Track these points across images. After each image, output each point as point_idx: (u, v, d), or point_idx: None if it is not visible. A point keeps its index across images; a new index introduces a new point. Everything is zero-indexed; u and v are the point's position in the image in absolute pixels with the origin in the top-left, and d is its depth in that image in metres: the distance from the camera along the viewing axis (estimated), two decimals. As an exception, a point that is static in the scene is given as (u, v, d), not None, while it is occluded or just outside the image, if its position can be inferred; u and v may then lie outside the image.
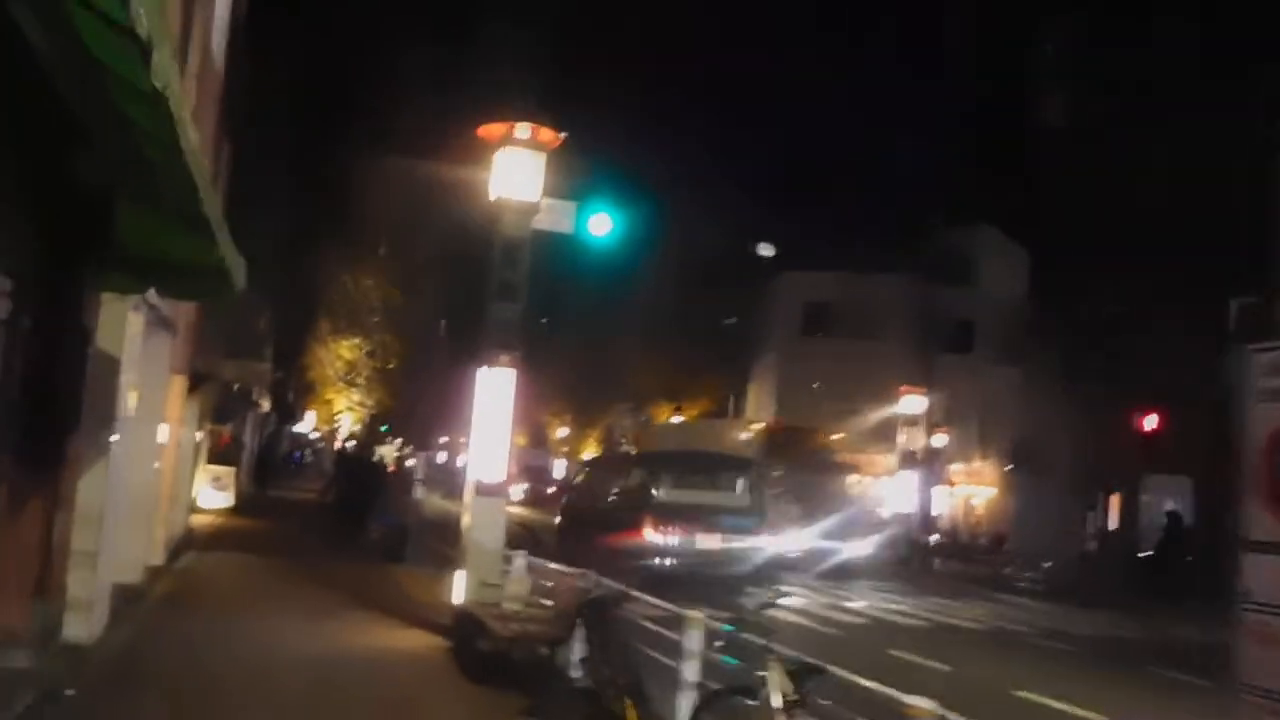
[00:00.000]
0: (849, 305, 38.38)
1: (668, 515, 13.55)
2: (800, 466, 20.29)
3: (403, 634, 9.04)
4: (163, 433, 10.68)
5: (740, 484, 15.32)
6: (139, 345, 8.39)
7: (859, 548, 20.41)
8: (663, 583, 10.35)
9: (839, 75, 53.70)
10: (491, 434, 9.17)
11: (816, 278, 38.77)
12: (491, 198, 9.51)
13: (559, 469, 51.77)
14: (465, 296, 16.85)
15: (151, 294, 8.63)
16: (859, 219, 42.50)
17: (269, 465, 32.88)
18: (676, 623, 6.26)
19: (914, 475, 27.23)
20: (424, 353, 16.30)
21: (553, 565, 9.54)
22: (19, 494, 5.76)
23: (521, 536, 11.46)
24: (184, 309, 11.34)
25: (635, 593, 7.02)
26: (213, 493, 20.85)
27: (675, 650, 6.10)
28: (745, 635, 4.98)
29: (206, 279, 6.51)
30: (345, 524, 15.83)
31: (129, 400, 8.17)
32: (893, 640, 12.17)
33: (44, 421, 6.01)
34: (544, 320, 36.14)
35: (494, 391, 9.16)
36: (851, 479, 24.98)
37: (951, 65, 39.26)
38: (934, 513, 29.07)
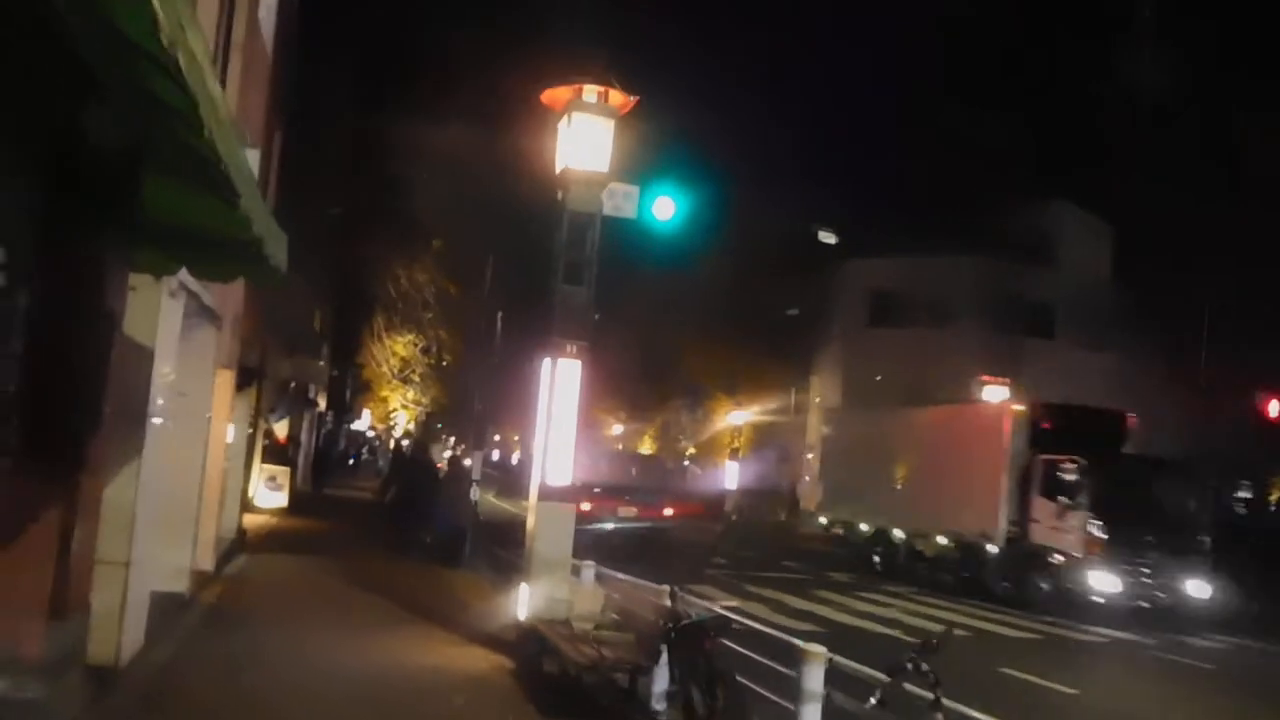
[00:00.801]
0: (918, 292, 36.75)
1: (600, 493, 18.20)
2: (1105, 462, 16.01)
3: (463, 651, 8.20)
4: (208, 430, 10.01)
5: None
6: (176, 335, 7.67)
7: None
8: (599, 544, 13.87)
9: (900, 47, 51.56)
10: (557, 432, 8.27)
11: (882, 264, 37.24)
12: (557, 170, 8.61)
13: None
14: (526, 285, 16.00)
15: (191, 281, 7.94)
16: (926, 200, 40.60)
17: (326, 464, 32.68)
18: (788, 654, 5.27)
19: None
20: (480, 347, 15.58)
21: (627, 577, 8.60)
22: (28, 501, 5.02)
23: None
24: (230, 300, 10.68)
25: (737, 617, 6.05)
26: (268, 492, 20.42)
27: (789, 687, 5.10)
28: (907, 686, 3.96)
29: (243, 257, 5.68)
30: (401, 526, 15.15)
31: (166, 395, 7.45)
32: (1001, 655, 11.02)
33: (59, 417, 5.26)
34: (596, 315, 35.20)
35: (560, 385, 8.26)
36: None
37: (1022, 33, 37.37)
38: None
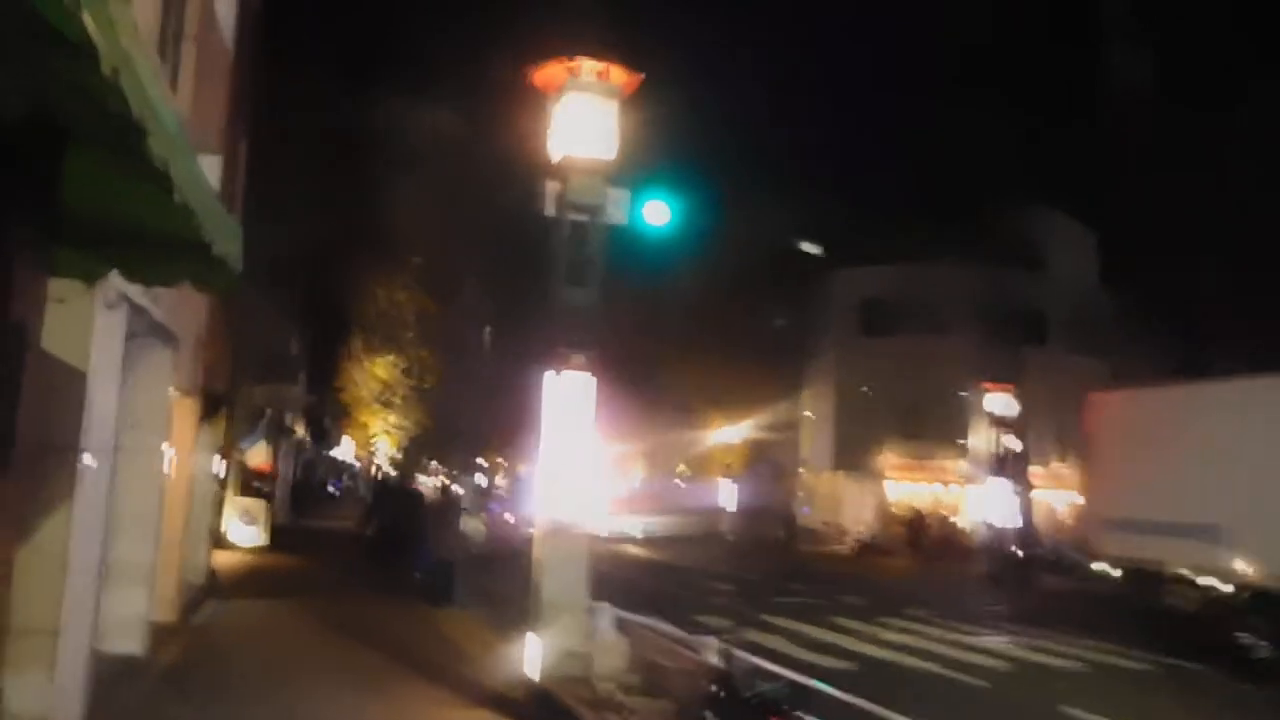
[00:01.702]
0: (909, 300, 36.01)
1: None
2: None
3: (463, 714, 7.06)
4: (165, 464, 8.85)
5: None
6: (118, 356, 6.56)
7: None
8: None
9: (880, 52, 50.95)
10: (564, 456, 7.20)
11: (872, 273, 36.54)
12: (554, 160, 7.59)
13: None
14: (517, 294, 15.00)
15: (136, 292, 6.83)
16: (912, 209, 39.92)
17: (305, 495, 31.30)
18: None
19: (1003, 482, 24.75)
20: (465, 367, 14.54)
21: (648, 621, 7.49)
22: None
23: None
24: (188, 317, 9.56)
25: (817, 684, 4.97)
26: (243, 527, 19.14)
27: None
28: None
29: (186, 255, 4.62)
30: (385, 561, 13.97)
31: (105, 425, 6.32)
32: (1056, 691, 9.98)
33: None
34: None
35: (566, 402, 7.20)
36: None
37: (1004, 40, 36.88)
38: (1020, 523, 26.46)
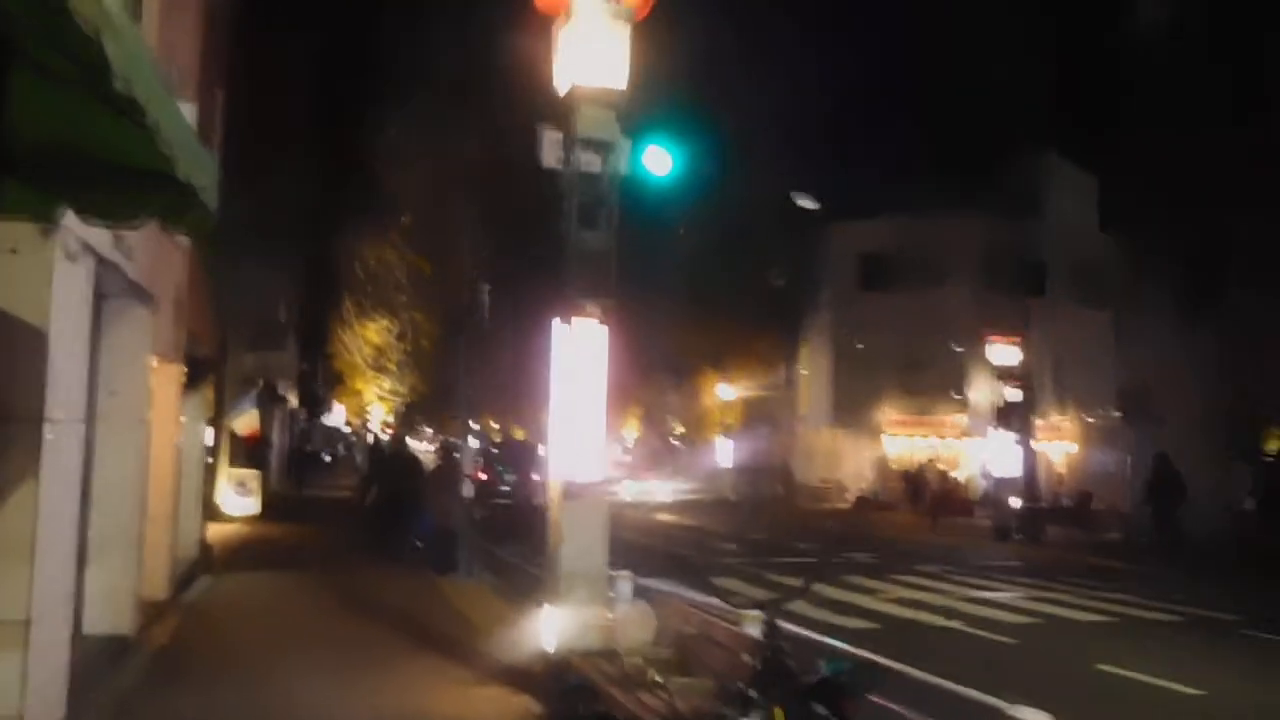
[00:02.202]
0: (907, 253, 35.32)
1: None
2: None
3: (476, 694, 6.59)
4: (147, 434, 8.28)
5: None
6: (84, 314, 5.96)
7: None
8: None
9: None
10: (578, 413, 6.66)
11: (869, 226, 35.81)
12: (560, 90, 6.94)
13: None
14: (515, 250, 14.31)
15: (104, 244, 6.22)
16: (908, 159, 38.96)
17: (299, 464, 30.78)
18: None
19: (1007, 434, 24.36)
20: (463, 325, 13.93)
21: (673, 589, 7.00)
22: None
23: None
24: (165, 274, 8.92)
25: (887, 661, 4.47)
26: (237, 498, 18.63)
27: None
28: None
29: (151, 186, 4.00)
30: (386, 530, 13.48)
31: (74, 392, 5.74)
32: (1086, 646, 9.60)
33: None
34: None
35: (579, 355, 6.63)
36: None
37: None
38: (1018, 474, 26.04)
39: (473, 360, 13.50)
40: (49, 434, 5.10)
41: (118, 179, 4.02)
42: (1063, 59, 32.99)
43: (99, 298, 7.84)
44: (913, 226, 34.31)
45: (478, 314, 13.34)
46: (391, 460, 13.87)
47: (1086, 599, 12.95)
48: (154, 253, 8.28)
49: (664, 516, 27.43)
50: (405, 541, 13.29)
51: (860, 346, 35.26)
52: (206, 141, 12.33)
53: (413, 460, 14.35)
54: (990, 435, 26.80)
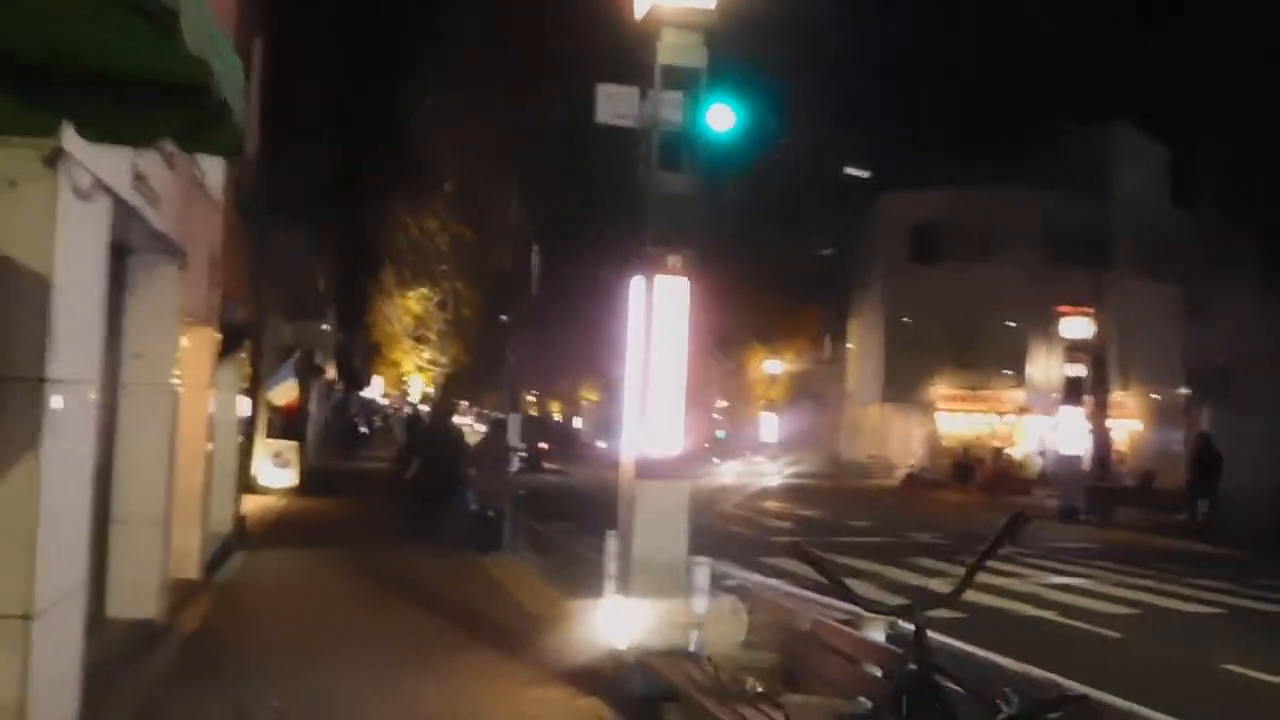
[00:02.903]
0: (962, 225, 34.02)
1: None
2: None
3: (534, 696, 5.83)
4: (176, 403, 7.61)
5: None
6: (97, 262, 5.23)
7: None
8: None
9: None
10: (657, 382, 5.84)
11: (923, 197, 34.47)
12: (638, 12, 6.07)
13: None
14: (575, 196, 13.40)
15: (122, 186, 5.48)
16: (963, 126, 37.31)
17: (337, 436, 30.45)
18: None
19: (1076, 410, 23.16)
20: (507, 293, 13.20)
21: (763, 579, 6.18)
22: None
23: None
24: (196, 229, 8.21)
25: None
26: (274, 470, 18.15)
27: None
28: None
29: (169, 100, 3.22)
30: (427, 506, 12.83)
31: (87, 352, 5.02)
32: (1198, 640, 8.67)
33: None
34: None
35: (659, 313, 5.81)
36: None
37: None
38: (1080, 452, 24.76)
39: (520, 329, 12.74)
40: (53, 398, 4.39)
41: (130, 94, 3.25)
42: (1133, 23, 31.36)
43: (123, 252, 7.16)
44: (968, 197, 33.00)
45: (523, 280, 12.55)
46: (433, 433, 13.18)
47: (1180, 586, 11.97)
48: (184, 203, 7.57)
49: (705, 491, 26.64)
50: (447, 518, 12.63)
51: (916, 320, 34.09)
52: (244, 98, 11.63)
53: (457, 433, 13.65)
54: (1054, 411, 25.59)
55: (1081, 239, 31.74)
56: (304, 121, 16.85)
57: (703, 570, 5.97)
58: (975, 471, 30.43)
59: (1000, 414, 34.53)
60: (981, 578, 11.91)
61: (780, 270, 36.58)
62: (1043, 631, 9.11)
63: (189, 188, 7.96)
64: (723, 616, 5.19)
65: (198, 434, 8.96)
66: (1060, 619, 9.66)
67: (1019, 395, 33.54)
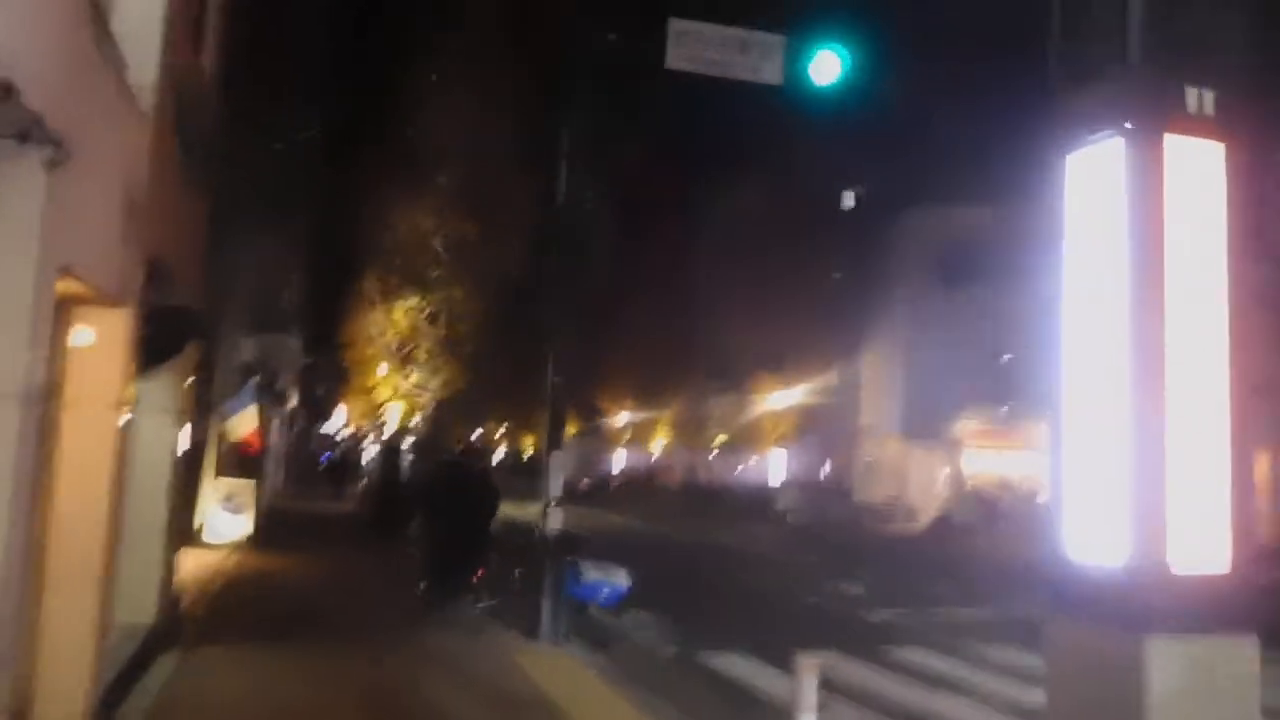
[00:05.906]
0: (991, 245, 31.29)
1: None
2: None
3: None
4: (29, 419, 4.13)
5: None
6: None
7: None
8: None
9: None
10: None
11: (951, 214, 31.72)
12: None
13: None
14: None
15: None
16: (988, 140, 34.64)
17: (299, 473, 26.59)
18: None
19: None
20: (518, 302, 10.09)
21: None
22: None
23: None
24: (96, 126, 4.75)
25: None
26: (225, 516, 14.45)
27: None
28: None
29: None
30: (446, 576, 9.29)
31: None
32: None
33: None
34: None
35: (1162, 226, 2.47)
36: None
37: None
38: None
39: (567, 339, 9.36)
40: None
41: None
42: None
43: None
44: (998, 215, 30.34)
45: (575, 271, 9.21)
46: (461, 483, 9.50)
47: None
48: (74, 77, 4.19)
49: (716, 541, 23.14)
50: (469, 592, 9.11)
51: (941, 348, 31.19)
52: (198, 76, 8.22)
53: (484, 479, 10.00)
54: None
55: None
56: (271, 93, 13.51)
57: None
58: (999, 517, 27.34)
59: (1037, 451, 31.62)
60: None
61: (788, 292, 33.74)
62: None
63: (88, 61, 4.60)
64: None
65: (95, 478, 5.44)
66: None
67: (1058, 432, 30.70)
